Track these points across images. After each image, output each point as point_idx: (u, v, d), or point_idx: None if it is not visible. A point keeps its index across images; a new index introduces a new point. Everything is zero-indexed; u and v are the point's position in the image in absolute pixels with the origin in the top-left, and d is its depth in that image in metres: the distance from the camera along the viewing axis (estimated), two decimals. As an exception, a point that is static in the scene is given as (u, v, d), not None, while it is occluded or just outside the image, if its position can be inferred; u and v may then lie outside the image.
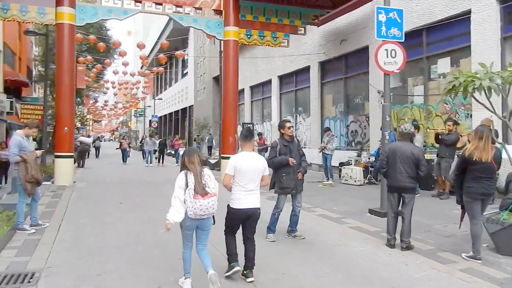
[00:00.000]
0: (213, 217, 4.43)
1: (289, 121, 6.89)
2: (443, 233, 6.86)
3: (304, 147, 19.29)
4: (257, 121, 25.23)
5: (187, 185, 4.21)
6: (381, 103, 12.92)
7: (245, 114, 26.54)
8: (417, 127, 10.96)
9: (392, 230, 6.04)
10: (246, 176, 4.67)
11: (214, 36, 14.49)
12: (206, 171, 4.42)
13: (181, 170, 4.38)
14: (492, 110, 5.85)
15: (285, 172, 6.49)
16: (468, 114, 11.10)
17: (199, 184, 4.22)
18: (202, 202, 4.16)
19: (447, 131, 10.40)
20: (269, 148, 6.65)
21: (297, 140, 6.94)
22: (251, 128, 7.96)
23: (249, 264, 4.70)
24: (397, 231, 6.06)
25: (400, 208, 6.07)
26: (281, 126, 6.71)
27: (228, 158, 14.41)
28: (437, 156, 10.56)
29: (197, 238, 4.45)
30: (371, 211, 8.45)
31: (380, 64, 8.35)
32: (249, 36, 14.81)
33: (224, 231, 4.82)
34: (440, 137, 10.29)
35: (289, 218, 6.72)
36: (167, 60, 22.75)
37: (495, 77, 5.53)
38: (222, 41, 15.00)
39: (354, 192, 11.67)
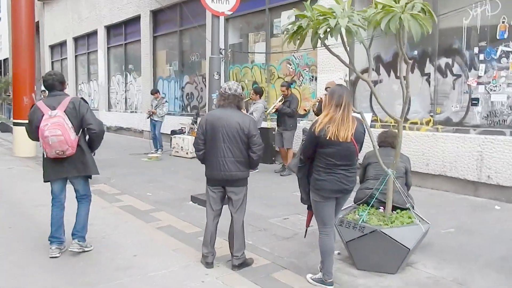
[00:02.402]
0: None
1: None
2: (283, 232, 5.09)
3: (136, 112, 16.61)
4: (83, 80, 21.49)
5: None
6: (222, 60, 10.91)
7: (68, 71, 22.42)
8: (260, 92, 9.22)
9: (210, 241, 4.01)
10: None
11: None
12: None
13: None
14: (352, 66, 4.13)
15: None
16: (313, 76, 9.68)
17: None
18: None
19: (281, 97, 8.83)
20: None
21: None
22: None
23: None
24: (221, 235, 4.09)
25: (226, 206, 4.10)
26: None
27: (21, 124, 11.14)
28: (278, 126, 8.99)
29: None
30: (194, 199, 6.41)
31: (207, 1, 6.19)
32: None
33: None
34: (279, 109, 8.69)
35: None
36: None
37: (355, 16, 3.76)
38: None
39: (182, 168, 9.55)
